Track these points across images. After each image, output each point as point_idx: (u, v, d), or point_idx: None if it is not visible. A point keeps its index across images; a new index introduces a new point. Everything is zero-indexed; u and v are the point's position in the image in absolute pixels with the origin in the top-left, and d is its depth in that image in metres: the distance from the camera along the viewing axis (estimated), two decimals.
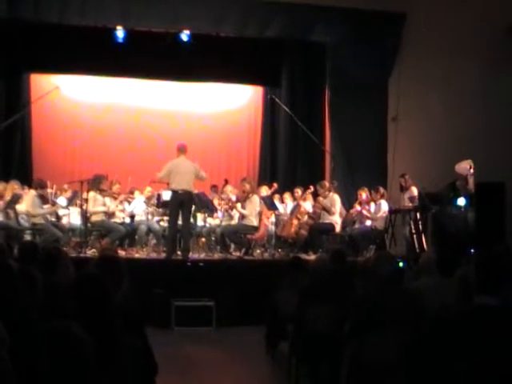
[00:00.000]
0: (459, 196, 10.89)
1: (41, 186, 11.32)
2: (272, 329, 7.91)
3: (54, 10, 12.77)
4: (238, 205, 12.08)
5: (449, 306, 3.63)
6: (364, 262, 6.56)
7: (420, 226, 11.40)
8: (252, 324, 9.30)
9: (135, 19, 13.26)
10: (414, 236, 11.39)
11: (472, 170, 10.92)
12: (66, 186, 12.72)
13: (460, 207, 10.88)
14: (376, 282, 4.70)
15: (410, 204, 11.73)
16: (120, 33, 13.75)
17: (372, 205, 12.25)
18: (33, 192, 11.23)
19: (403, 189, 12.21)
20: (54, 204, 11.61)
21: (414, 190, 11.89)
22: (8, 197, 10.93)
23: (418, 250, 11.03)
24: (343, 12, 13.26)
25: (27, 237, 11.26)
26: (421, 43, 13.21)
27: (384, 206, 12.07)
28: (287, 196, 13.29)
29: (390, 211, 12.05)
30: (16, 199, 11.04)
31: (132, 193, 12.80)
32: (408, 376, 3.30)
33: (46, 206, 11.31)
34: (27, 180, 12.87)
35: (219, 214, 12.50)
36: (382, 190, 12.26)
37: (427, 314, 3.85)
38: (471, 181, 10.91)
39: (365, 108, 13.86)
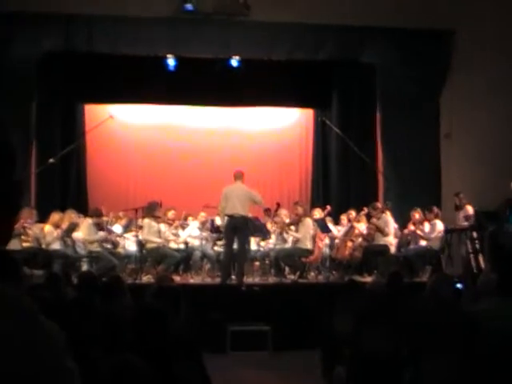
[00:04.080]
0: None
1: (97, 214, 11.53)
2: (327, 352, 7.84)
3: (106, 41, 13.09)
4: (292, 228, 12.08)
5: None
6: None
7: (477, 246, 11.20)
8: (308, 348, 9.21)
9: (185, 47, 13.45)
10: (471, 256, 11.19)
11: None
12: (121, 214, 12.93)
13: None
14: (434, 305, 4.63)
15: (466, 223, 11.54)
16: (171, 61, 13.97)
17: (426, 225, 12.09)
18: (89, 220, 11.44)
19: (458, 208, 12.02)
20: (109, 232, 11.80)
21: (470, 209, 11.70)
22: (65, 226, 11.17)
23: (475, 271, 10.84)
24: (392, 32, 13.23)
25: (84, 265, 11.47)
26: (470, 59, 13.10)
27: (439, 225, 11.87)
28: (344, 217, 13.21)
29: (446, 231, 11.86)
30: (73, 227, 11.28)
31: (186, 219, 12.91)
32: None
33: (101, 234, 11.50)
34: (83, 209, 13.13)
35: (272, 237, 12.51)
36: (435, 209, 12.07)
37: (488, 339, 3.77)
38: None
39: (417, 126, 13.75)
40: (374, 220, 12.03)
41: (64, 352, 1.07)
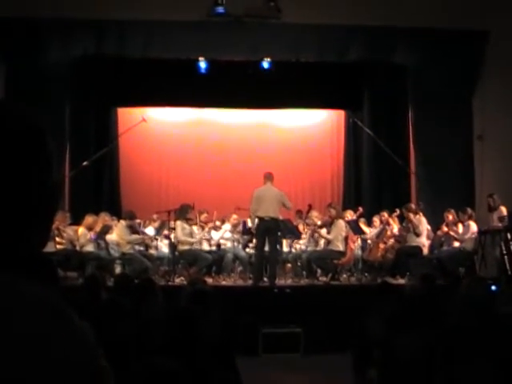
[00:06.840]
0: None
1: (130, 217, 11.66)
2: (359, 355, 7.81)
3: (138, 45, 13.18)
4: (323, 230, 12.05)
5: None
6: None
7: (511, 247, 11.07)
8: (340, 350, 9.18)
9: (216, 50, 13.51)
10: (505, 257, 11.06)
11: None
12: (154, 217, 13.04)
13: None
14: (468, 308, 4.59)
15: (500, 224, 11.41)
16: (202, 64, 14.04)
17: (460, 226, 11.98)
18: (123, 222, 11.56)
19: (492, 209, 11.89)
20: (142, 234, 11.91)
21: (503, 210, 11.57)
22: (98, 228, 11.29)
23: (509, 272, 10.71)
24: (424, 32, 13.10)
25: (117, 267, 11.58)
26: (503, 59, 12.94)
27: (473, 227, 11.75)
28: (376, 219, 13.14)
29: (480, 232, 11.73)
30: (106, 230, 11.40)
31: (221, 221, 12.95)
32: None
33: (134, 236, 11.62)
34: (117, 212, 13.25)
35: (304, 239, 12.51)
36: (469, 210, 11.94)
37: None
38: None
39: (449, 127, 13.61)
40: (410, 215, 11.82)
41: (98, 351, 1.09)
